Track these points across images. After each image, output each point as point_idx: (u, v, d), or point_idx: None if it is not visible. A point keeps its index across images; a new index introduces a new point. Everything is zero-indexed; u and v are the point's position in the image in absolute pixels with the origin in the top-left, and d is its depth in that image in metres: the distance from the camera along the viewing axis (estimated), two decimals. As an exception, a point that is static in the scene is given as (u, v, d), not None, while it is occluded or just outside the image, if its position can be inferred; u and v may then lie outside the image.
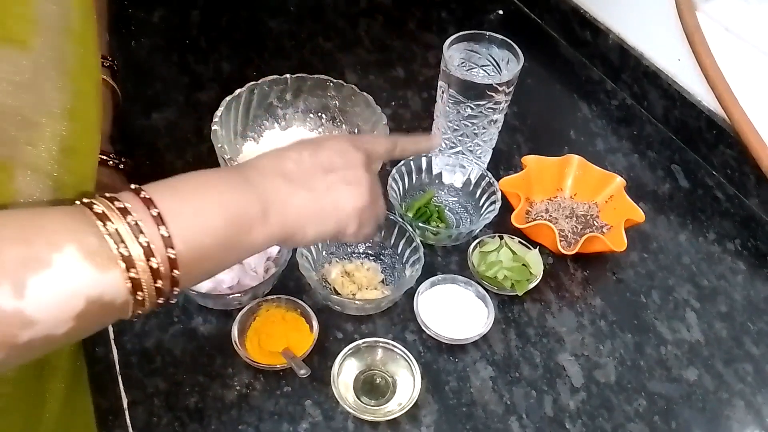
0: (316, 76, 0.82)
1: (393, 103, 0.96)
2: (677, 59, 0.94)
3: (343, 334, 0.68)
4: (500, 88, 0.74)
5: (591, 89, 1.04)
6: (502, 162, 0.89)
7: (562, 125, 0.98)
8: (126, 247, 0.37)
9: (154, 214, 0.38)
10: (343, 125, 0.84)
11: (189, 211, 0.41)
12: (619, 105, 1.02)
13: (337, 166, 0.50)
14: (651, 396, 0.67)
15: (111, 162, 0.73)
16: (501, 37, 0.78)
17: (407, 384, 0.64)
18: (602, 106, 1.01)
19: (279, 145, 0.51)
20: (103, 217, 0.37)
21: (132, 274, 0.37)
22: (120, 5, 1.08)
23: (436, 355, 0.68)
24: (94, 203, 0.38)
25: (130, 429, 0.60)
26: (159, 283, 0.38)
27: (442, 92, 0.78)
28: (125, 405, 0.62)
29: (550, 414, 0.65)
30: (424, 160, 0.82)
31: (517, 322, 0.72)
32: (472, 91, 0.74)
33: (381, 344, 0.65)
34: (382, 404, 0.63)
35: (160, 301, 0.40)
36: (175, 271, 0.39)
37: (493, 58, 0.79)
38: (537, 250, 0.74)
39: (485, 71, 0.79)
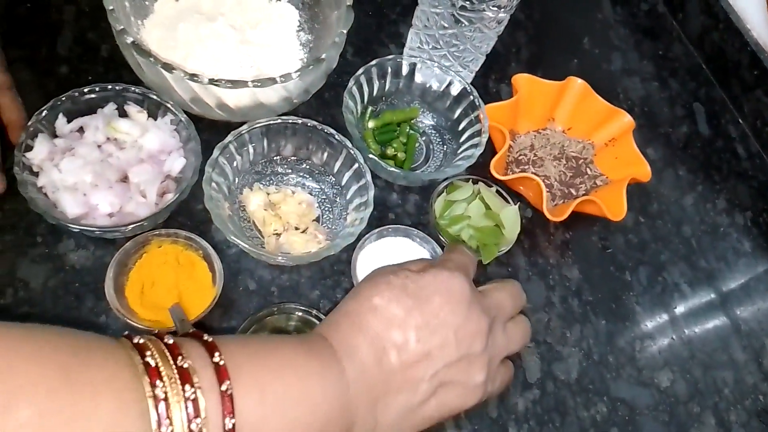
0: None
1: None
2: (737, -32, 0.74)
3: (257, 286, 0.54)
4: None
5: (619, -16, 0.84)
6: (495, 69, 0.71)
7: (576, 26, 0.79)
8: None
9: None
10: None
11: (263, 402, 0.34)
12: (650, 11, 0.82)
13: (448, 357, 0.40)
14: (613, 402, 0.57)
15: None
16: None
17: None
18: (628, 9, 0.82)
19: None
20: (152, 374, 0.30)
21: None
22: None
23: (369, 325, 0.55)
24: (141, 342, 0.33)
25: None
26: None
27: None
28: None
29: (492, 415, 0.54)
30: (406, 66, 0.63)
31: (475, 290, 0.59)
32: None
33: (301, 310, 0.51)
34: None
35: None
36: None
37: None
38: (517, 207, 0.59)
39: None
